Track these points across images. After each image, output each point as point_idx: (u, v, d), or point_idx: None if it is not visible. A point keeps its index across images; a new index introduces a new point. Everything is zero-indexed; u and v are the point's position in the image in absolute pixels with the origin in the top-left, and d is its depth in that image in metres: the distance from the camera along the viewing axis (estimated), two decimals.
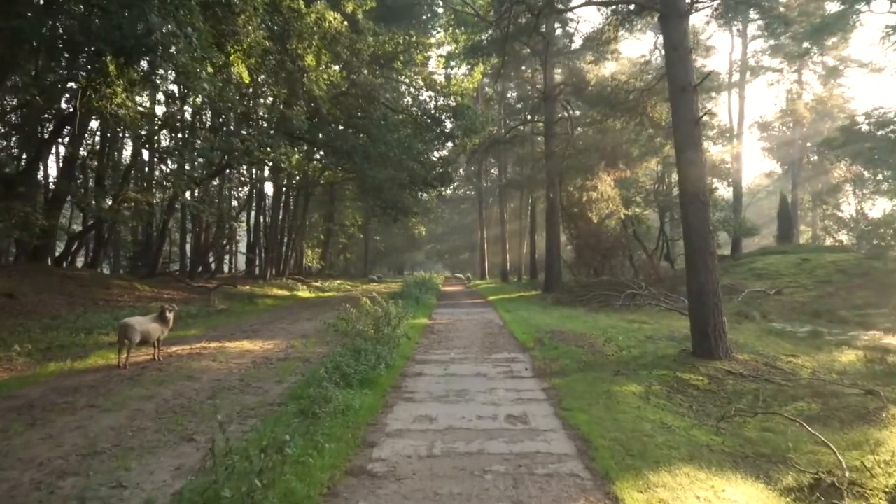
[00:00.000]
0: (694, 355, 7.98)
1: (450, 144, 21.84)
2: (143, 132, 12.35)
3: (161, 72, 7.38)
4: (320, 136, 16.48)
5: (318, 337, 10.16)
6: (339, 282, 33.63)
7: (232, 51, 9.20)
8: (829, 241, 35.42)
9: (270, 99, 12.59)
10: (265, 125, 12.89)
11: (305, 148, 24.59)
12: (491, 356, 8.22)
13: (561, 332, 10.18)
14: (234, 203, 29.37)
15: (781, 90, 33.75)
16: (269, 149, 11.80)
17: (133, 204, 15.88)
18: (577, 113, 22.32)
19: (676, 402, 6.14)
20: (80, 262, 20.15)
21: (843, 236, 35.28)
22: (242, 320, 13.52)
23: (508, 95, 37.05)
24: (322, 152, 20.12)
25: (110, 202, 16.91)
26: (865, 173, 31.90)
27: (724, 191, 29.05)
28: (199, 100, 12.84)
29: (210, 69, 8.16)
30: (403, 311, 9.51)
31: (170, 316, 7.88)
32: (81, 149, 16.50)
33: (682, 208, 8.26)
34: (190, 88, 9.30)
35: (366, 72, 16.60)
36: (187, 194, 14.65)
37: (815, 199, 38.48)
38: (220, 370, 7.40)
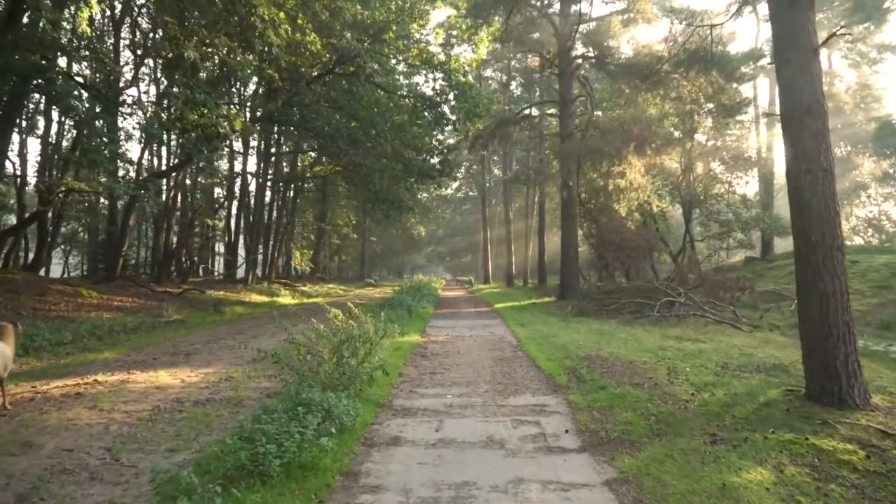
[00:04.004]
0: (811, 399, 5.33)
1: (449, 130, 19.20)
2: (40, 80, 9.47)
3: None
4: (295, 115, 13.81)
5: (270, 362, 7.45)
6: (330, 286, 31.01)
7: None
8: (857, 241, 32.83)
9: (208, 48, 9.90)
10: (203, 78, 10.27)
11: (297, 134, 21.94)
12: (508, 402, 5.50)
13: (600, 356, 7.41)
14: (224, 200, 26.83)
15: None
16: (204, 109, 9.11)
17: (76, 195, 13.22)
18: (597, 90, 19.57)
19: None
20: (41, 265, 17.52)
21: (872, 237, 32.79)
22: (190, 335, 10.87)
23: (512, 85, 34.56)
24: (302, 136, 17.53)
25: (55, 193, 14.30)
26: (890, 170, 29.36)
27: (753, 184, 26.45)
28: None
29: None
30: (387, 326, 6.76)
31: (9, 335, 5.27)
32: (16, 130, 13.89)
33: (792, 182, 5.54)
34: None
35: (349, 35, 13.90)
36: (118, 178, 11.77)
37: (841, 196, 35.71)
38: (88, 427, 4.77)
